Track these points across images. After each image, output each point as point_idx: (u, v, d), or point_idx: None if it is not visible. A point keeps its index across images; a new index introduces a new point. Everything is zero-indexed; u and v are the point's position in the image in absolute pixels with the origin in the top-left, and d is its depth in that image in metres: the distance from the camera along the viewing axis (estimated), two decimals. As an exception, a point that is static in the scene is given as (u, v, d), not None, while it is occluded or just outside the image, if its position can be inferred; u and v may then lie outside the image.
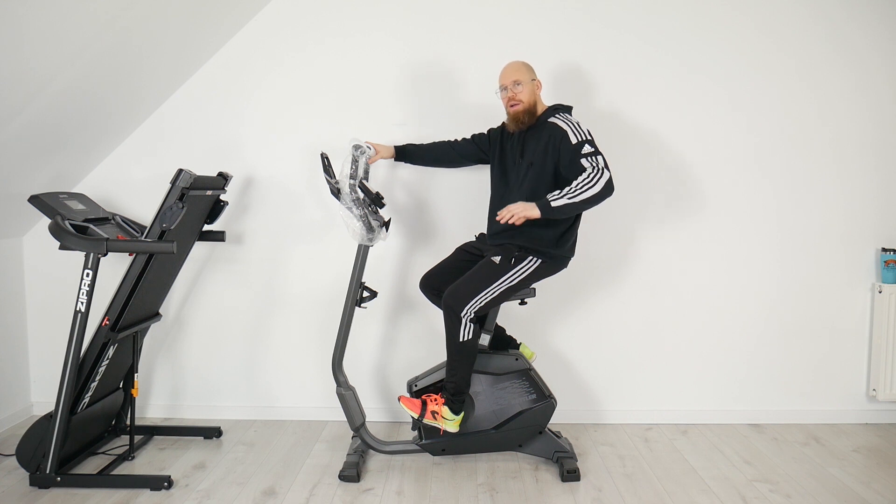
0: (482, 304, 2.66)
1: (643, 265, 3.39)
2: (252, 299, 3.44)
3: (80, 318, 2.62)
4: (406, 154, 3.04)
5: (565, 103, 2.87)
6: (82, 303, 2.62)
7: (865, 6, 3.30)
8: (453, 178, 3.35)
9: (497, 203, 2.85)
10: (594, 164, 2.56)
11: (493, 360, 2.84)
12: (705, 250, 3.39)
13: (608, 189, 2.55)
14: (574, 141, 2.61)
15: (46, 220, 3.11)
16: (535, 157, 2.69)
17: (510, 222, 2.58)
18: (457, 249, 2.97)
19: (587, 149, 2.59)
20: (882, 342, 3.34)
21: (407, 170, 3.36)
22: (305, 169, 3.36)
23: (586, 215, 2.81)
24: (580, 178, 2.55)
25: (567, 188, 2.55)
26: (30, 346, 3.46)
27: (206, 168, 3.22)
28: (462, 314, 2.64)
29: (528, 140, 2.76)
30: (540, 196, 2.61)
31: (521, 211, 2.56)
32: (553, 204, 2.54)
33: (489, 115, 3.18)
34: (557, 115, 2.71)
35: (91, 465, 2.87)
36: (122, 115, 3.22)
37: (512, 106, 2.75)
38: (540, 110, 2.77)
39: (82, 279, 2.61)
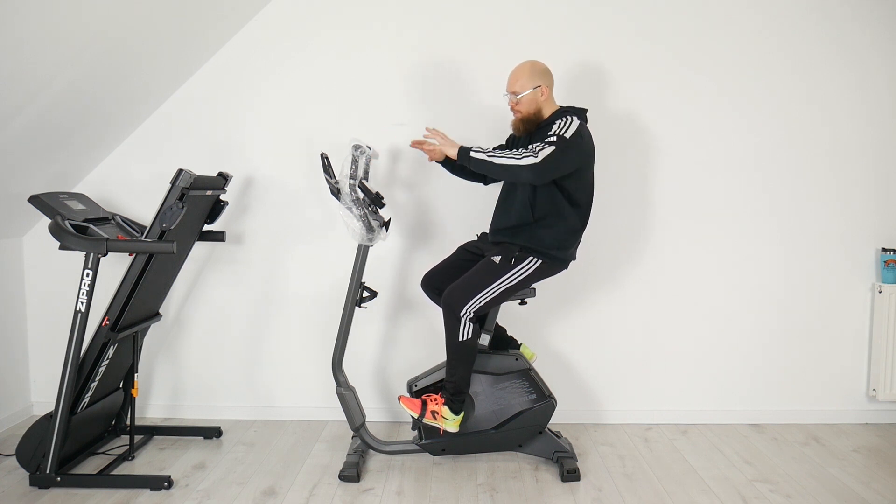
0: (482, 303, 2.66)
1: (643, 265, 3.39)
2: (252, 299, 3.44)
3: (80, 318, 2.62)
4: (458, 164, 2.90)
5: (579, 105, 2.83)
6: (82, 303, 2.62)
7: (866, 6, 3.30)
8: (454, 178, 3.34)
9: (501, 202, 2.85)
10: (535, 149, 2.55)
11: (493, 360, 2.84)
12: (705, 250, 3.39)
13: (528, 171, 2.53)
14: (550, 131, 2.61)
15: (46, 220, 3.11)
16: None
17: (424, 149, 2.74)
18: (458, 248, 2.97)
19: (551, 139, 2.58)
20: (882, 342, 3.34)
21: (407, 170, 3.36)
22: (305, 169, 3.36)
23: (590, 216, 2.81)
24: (515, 151, 2.58)
25: (496, 149, 2.62)
26: (30, 346, 3.46)
27: (206, 168, 3.22)
28: (461, 314, 2.64)
29: (534, 140, 2.75)
30: (539, 197, 2.67)
31: (440, 145, 2.67)
32: (471, 154, 2.60)
33: (497, 115, 3.18)
34: (564, 117, 2.68)
35: (91, 465, 2.87)
36: (122, 115, 3.22)
37: (514, 112, 2.78)
38: (548, 113, 2.75)
39: (82, 279, 2.61)
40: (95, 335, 2.72)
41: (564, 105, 2.82)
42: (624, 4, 3.30)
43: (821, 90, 3.34)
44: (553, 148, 2.54)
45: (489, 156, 2.58)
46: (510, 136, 2.92)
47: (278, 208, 3.39)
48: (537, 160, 2.53)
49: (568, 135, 2.59)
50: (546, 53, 3.26)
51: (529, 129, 2.75)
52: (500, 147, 2.89)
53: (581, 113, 2.76)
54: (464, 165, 2.66)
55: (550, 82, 2.76)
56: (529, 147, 2.57)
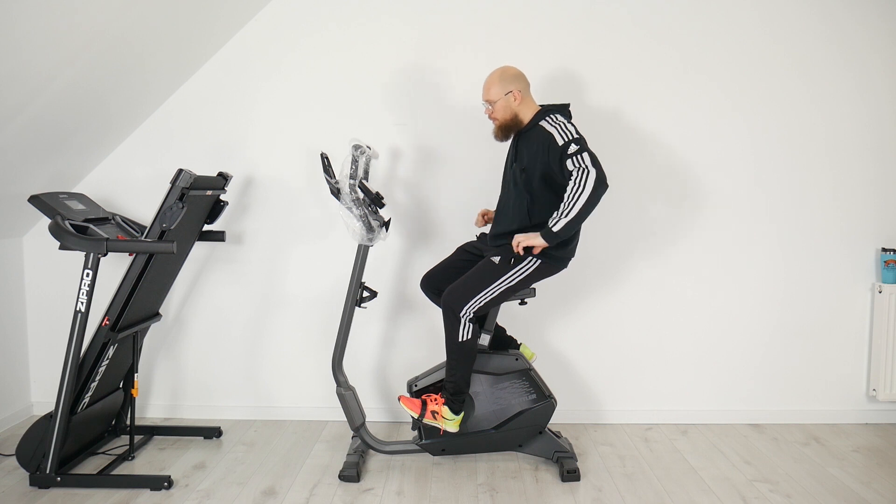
0: (481, 304, 2.66)
1: (643, 265, 3.39)
2: (252, 299, 3.44)
3: (80, 318, 2.63)
4: None
5: (559, 102, 2.85)
6: (82, 303, 2.62)
7: (866, 6, 3.30)
8: (454, 178, 3.35)
9: (500, 206, 2.85)
10: (578, 165, 2.52)
11: (493, 360, 2.84)
12: (705, 250, 3.39)
13: (599, 186, 2.51)
14: (560, 142, 2.58)
15: (46, 220, 3.11)
16: (527, 162, 2.69)
17: (519, 249, 2.62)
18: (458, 249, 2.97)
19: (572, 148, 2.55)
20: (882, 342, 3.34)
21: (407, 170, 3.37)
22: (305, 169, 3.36)
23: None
24: (568, 189, 2.52)
25: (562, 206, 2.54)
26: (30, 346, 3.46)
27: (206, 168, 3.23)
28: (461, 314, 2.64)
29: (521, 145, 2.76)
30: (536, 200, 2.67)
31: (527, 241, 2.59)
32: (555, 229, 2.54)
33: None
34: (548, 119, 2.67)
35: (91, 465, 2.87)
36: (123, 114, 3.22)
37: (492, 120, 2.78)
38: (528, 115, 2.73)
39: (82, 279, 2.61)
40: (95, 335, 2.72)
41: (544, 104, 2.82)
42: (624, 3, 3.30)
43: (821, 90, 3.34)
44: (585, 152, 2.55)
45: (567, 217, 2.52)
46: (511, 142, 2.91)
47: (278, 208, 3.39)
48: (594, 170, 2.50)
49: (576, 134, 2.60)
50: (541, 51, 3.28)
51: (510, 136, 2.76)
52: (508, 160, 2.87)
53: (564, 110, 2.76)
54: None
55: (524, 86, 2.73)
56: (575, 170, 2.52)
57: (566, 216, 2.53)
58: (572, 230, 2.56)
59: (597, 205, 2.54)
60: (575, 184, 2.51)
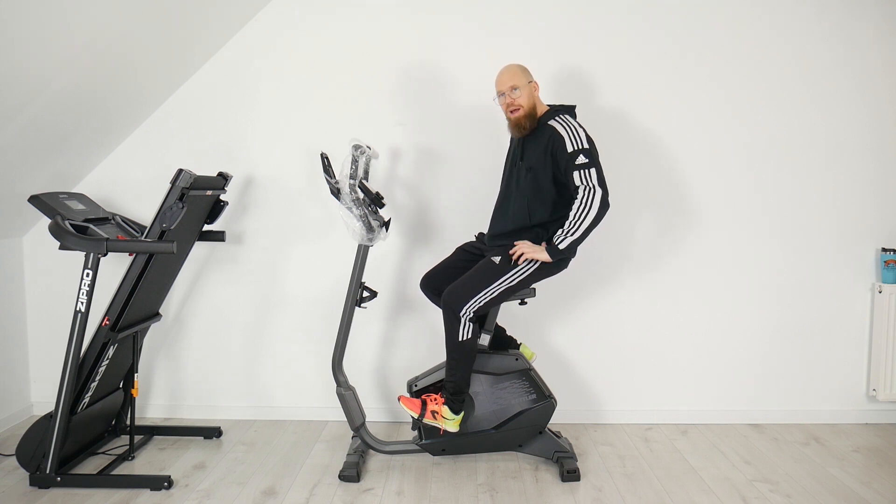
0: (481, 303, 2.66)
1: (643, 265, 3.39)
2: (252, 299, 3.44)
3: (80, 318, 2.63)
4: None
5: (568, 103, 2.85)
6: (82, 303, 2.62)
7: (866, 5, 3.30)
8: (454, 178, 3.35)
9: (499, 206, 2.85)
10: (585, 182, 2.55)
11: (493, 360, 2.84)
12: (705, 250, 3.39)
13: (604, 208, 2.56)
14: (570, 149, 2.59)
15: (46, 220, 3.11)
16: (534, 162, 2.68)
17: (519, 261, 2.63)
18: (457, 249, 2.97)
19: (581, 159, 2.57)
20: (882, 342, 3.34)
21: (407, 169, 3.37)
22: (305, 169, 3.36)
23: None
24: (574, 207, 2.57)
25: (567, 223, 2.57)
26: (30, 346, 3.46)
27: (206, 168, 3.22)
28: (461, 313, 2.64)
29: (527, 143, 2.75)
30: (538, 200, 2.67)
31: (531, 252, 2.61)
32: (560, 247, 2.58)
33: (491, 114, 3.18)
34: (558, 118, 2.67)
35: (91, 465, 2.87)
36: (123, 114, 3.22)
37: (512, 112, 2.72)
38: (540, 112, 2.75)
39: (82, 279, 2.61)
40: (95, 335, 2.72)
41: (552, 104, 2.82)
42: (622, 4, 3.30)
43: (821, 90, 3.34)
44: (594, 168, 2.57)
45: (572, 234, 2.56)
46: (512, 141, 2.91)
47: (278, 208, 3.39)
48: (601, 190, 2.55)
49: (587, 143, 2.61)
50: (542, 53, 3.28)
51: (532, 127, 2.72)
52: (511, 159, 2.87)
53: (572, 111, 2.77)
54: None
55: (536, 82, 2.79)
56: (582, 187, 2.56)
57: (572, 234, 2.57)
58: (576, 247, 2.61)
59: (600, 223, 2.59)
60: (581, 203, 2.55)
